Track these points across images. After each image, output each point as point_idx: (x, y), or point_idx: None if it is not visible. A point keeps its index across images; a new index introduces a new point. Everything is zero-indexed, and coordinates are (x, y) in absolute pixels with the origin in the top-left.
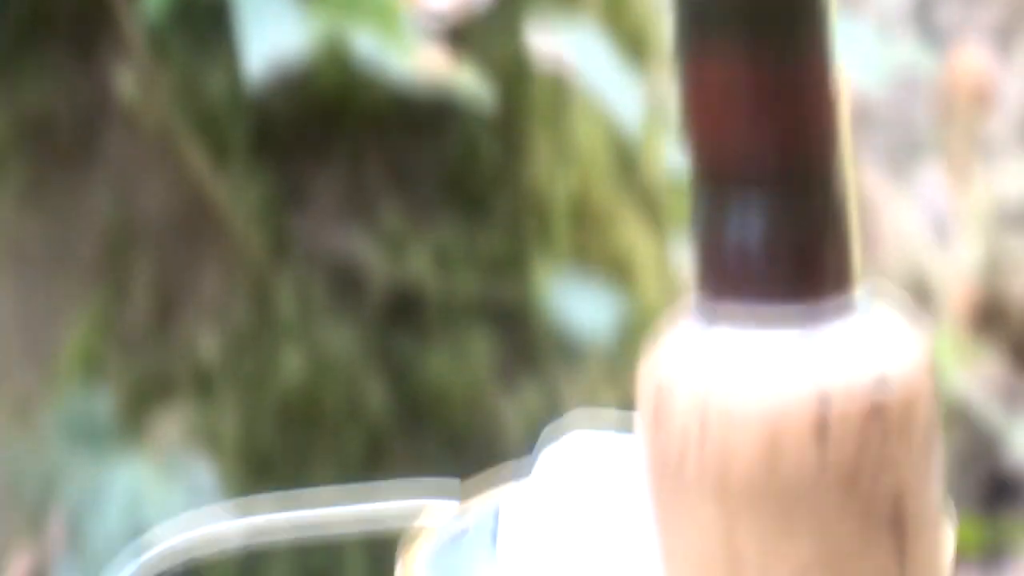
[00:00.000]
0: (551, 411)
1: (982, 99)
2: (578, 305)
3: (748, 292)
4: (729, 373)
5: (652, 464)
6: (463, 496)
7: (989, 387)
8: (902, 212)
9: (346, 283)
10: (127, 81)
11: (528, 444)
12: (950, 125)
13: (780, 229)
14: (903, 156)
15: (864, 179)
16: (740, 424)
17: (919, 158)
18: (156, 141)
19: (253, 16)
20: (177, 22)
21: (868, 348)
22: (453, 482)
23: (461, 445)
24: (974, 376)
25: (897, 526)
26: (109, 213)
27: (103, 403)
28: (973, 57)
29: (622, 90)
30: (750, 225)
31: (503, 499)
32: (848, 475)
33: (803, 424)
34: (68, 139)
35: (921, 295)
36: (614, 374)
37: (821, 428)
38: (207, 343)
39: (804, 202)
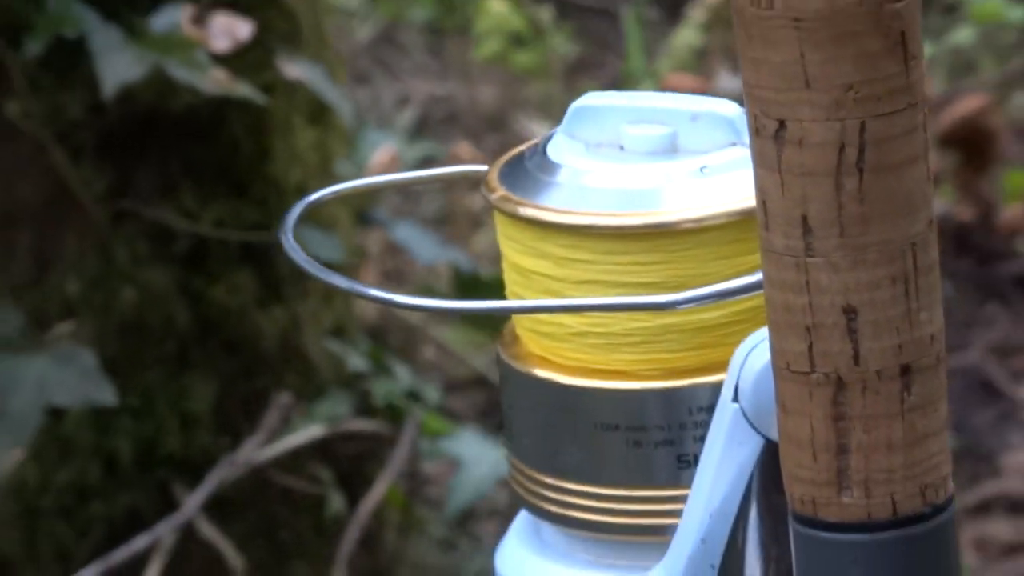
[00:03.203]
0: (294, 325)
1: None
2: (311, 247)
3: None
4: None
5: (743, 9)
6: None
7: None
8: None
9: (159, 242)
10: (12, 108)
11: (279, 349)
12: None
13: None
14: None
15: None
16: None
17: None
18: (33, 148)
19: (106, 55)
20: (45, 63)
21: None
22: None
23: (237, 349)
24: None
25: (902, 45)
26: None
27: (12, 325)
28: None
29: (338, 96)
30: None
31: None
32: (877, 6)
33: None
34: None
35: None
36: (328, 301)
37: None
38: (71, 285)
39: None
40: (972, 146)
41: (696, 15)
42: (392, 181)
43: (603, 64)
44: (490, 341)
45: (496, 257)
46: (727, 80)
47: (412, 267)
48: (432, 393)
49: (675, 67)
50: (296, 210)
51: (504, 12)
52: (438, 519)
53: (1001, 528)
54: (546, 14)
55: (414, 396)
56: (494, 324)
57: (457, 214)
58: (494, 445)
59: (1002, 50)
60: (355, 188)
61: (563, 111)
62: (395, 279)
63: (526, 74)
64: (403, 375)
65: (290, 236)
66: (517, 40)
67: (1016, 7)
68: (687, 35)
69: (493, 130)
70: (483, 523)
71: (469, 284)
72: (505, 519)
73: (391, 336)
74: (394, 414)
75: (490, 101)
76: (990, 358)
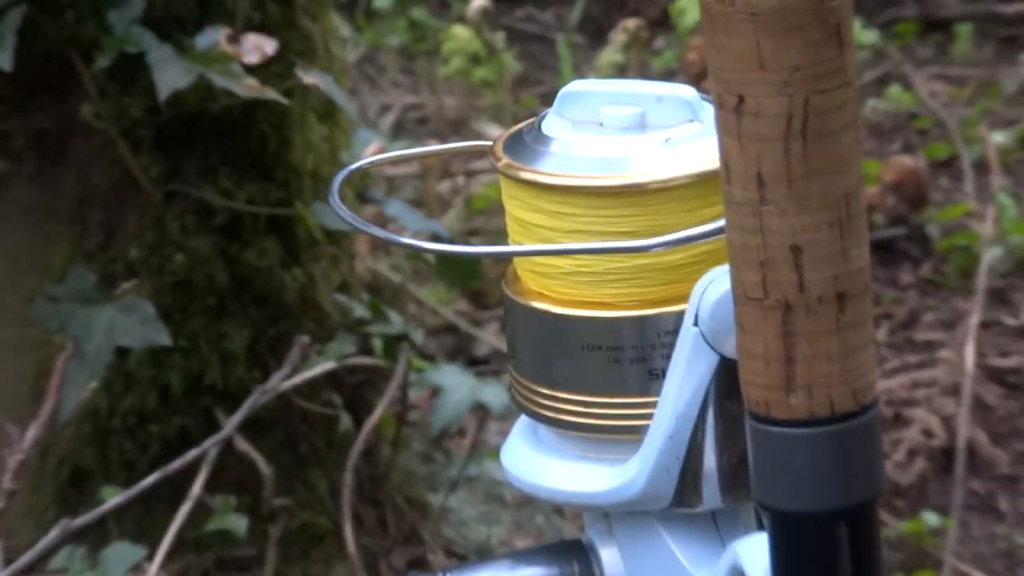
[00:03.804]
0: (310, 282)
1: None
2: (324, 218)
3: None
4: None
5: (710, 5)
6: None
7: None
8: None
9: (203, 216)
10: (86, 109)
11: (298, 301)
12: None
13: None
14: None
15: None
16: None
17: None
18: (103, 143)
19: (160, 67)
20: (112, 74)
21: None
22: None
23: (265, 302)
24: None
25: (837, 35)
26: (76, 183)
27: (87, 283)
28: None
29: (344, 98)
30: None
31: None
32: (818, 2)
33: None
34: (56, 143)
35: None
36: (336, 263)
37: None
38: (135, 250)
39: None
40: None
41: (617, 39)
42: (419, 154)
43: (542, 80)
44: (457, 298)
45: (461, 231)
46: None
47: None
48: (418, 336)
49: None
50: (340, 177)
51: (466, 37)
52: (420, 436)
53: None
54: (499, 39)
55: (404, 338)
56: (463, 282)
57: (429, 198)
58: (468, 377)
59: (857, 67)
60: (386, 160)
61: (511, 116)
62: (382, 246)
63: (482, 86)
64: (396, 321)
65: (336, 197)
66: (475, 59)
67: (869, 32)
68: (609, 55)
69: (455, 132)
70: (453, 441)
71: None
72: (472, 438)
73: (384, 293)
74: (389, 352)
75: (453, 108)
76: None
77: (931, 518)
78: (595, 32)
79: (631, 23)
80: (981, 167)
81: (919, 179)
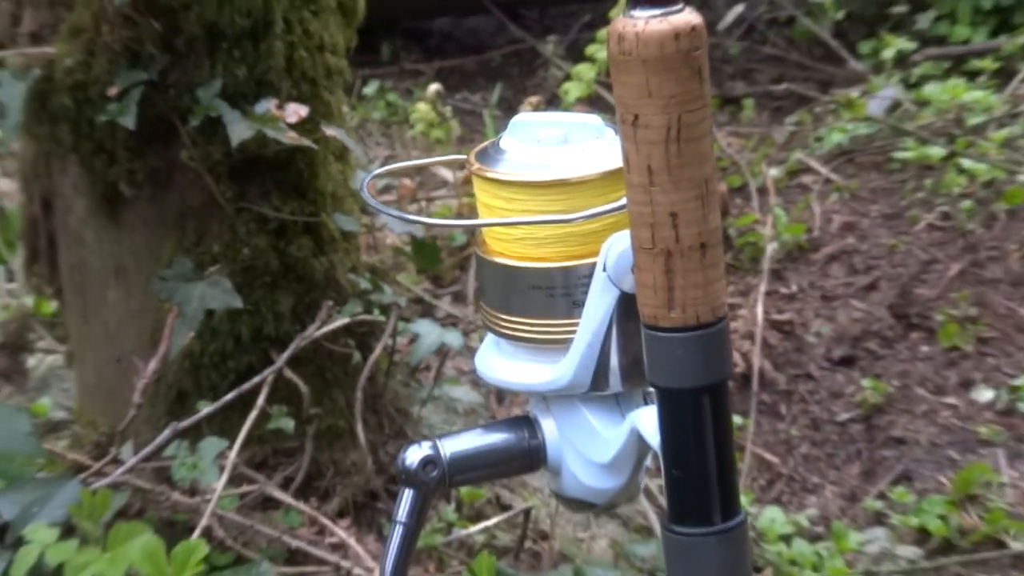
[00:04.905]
0: (332, 266)
1: None
2: (340, 224)
3: None
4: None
5: (615, 56)
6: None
7: None
8: None
9: (261, 223)
10: (183, 154)
11: (324, 279)
12: None
13: None
14: None
15: None
16: (653, 36)
17: None
18: (195, 176)
19: (232, 125)
20: (201, 130)
21: (688, 18)
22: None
23: (302, 279)
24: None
25: (699, 74)
26: (178, 203)
27: (186, 268)
28: None
29: (353, 144)
30: None
31: (500, 135)
32: (686, 53)
33: (671, 37)
34: (164, 177)
35: None
36: (348, 254)
37: (678, 37)
38: (217, 246)
39: None
40: None
41: (523, 111)
42: (415, 164)
43: (475, 139)
44: (423, 280)
45: (425, 237)
46: None
47: (382, 241)
48: (403, 302)
49: None
50: (367, 179)
51: (426, 110)
52: (402, 369)
53: None
54: (447, 111)
55: (394, 304)
56: (430, 265)
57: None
58: (436, 327)
59: None
60: (394, 169)
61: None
62: (373, 247)
63: (436, 143)
64: (388, 292)
65: (366, 191)
66: (431, 125)
67: None
68: None
69: (419, 173)
70: (423, 373)
71: (420, 245)
72: (436, 371)
73: (379, 275)
74: (384, 312)
75: (417, 158)
76: None
77: (736, 419)
78: (508, 108)
79: (533, 99)
80: (763, 191)
81: (723, 199)
